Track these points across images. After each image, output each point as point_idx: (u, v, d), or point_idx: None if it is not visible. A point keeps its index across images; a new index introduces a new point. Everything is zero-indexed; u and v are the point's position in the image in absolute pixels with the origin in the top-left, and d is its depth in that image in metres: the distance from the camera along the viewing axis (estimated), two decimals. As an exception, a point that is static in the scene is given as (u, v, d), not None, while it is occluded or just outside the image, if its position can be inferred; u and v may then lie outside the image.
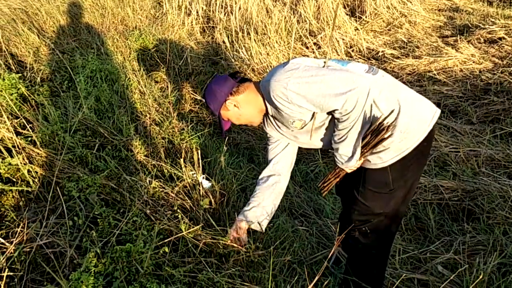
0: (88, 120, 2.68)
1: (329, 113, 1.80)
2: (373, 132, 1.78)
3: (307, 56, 5.66)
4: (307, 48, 5.98)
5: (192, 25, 6.63)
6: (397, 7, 6.93)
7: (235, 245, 2.04)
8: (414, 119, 1.80)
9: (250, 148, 4.02)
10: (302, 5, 6.90)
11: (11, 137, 2.29)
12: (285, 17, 6.24)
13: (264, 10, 6.92)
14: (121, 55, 4.65)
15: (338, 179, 2.02)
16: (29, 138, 2.41)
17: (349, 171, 1.93)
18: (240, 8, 6.89)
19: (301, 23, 6.29)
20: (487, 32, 5.45)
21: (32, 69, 3.82)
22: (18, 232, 1.88)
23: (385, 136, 1.75)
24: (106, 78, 3.52)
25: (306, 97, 1.70)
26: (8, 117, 2.59)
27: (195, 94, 4.62)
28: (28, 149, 2.27)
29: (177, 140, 3.14)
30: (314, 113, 1.80)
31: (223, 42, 6.01)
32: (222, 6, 7.10)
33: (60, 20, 5.32)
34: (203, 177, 2.58)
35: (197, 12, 6.78)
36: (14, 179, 2.24)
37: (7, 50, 4.17)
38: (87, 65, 3.61)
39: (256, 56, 4.89)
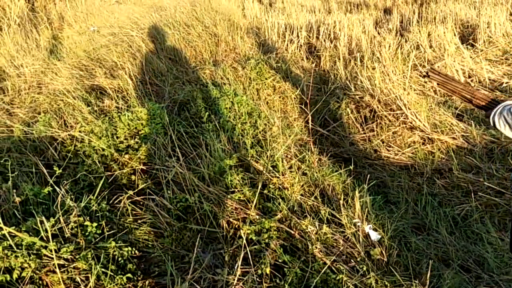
0: (245, 155, 2.54)
1: None
2: None
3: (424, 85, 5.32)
4: (423, 77, 5.61)
5: (295, 52, 6.50)
6: (517, 34, 6.42)
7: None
8: None
9: (382, 185, 3.75)
10: (413, 33, 6.58)
11: (183, 172, 2.17)
12: (399, 45, 5.95)
13: (369, 37, 6.68)
14: (241, 84, 4.56)
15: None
16: (198, 174, 2.29)
17: None
18: (345, 35, 6.69)
19: (413, 51, 5.95)
20: None
21: (168, 98, 3.81)
22: (207, 278, 1.71)
23: None
24: (242, 110, 3.40)
25: None
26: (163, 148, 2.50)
27: (315, 126, 4.42)
28: (202, 186, 2.14)
29: (320, 176, 2.92)
30: None
31: (332, 69, 5.82)
32: (326, 33, 6.94)
33: (179, 46, 5.36)
34: (370, 227, 2.34)
35: (298, 37, 6.66)
36: (185, 217, 2.11)
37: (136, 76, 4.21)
38: (223, 96, 3.52)
39: (380, 85, 4.62)
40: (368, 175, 3.58)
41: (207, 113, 3.35)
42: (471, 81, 5.64)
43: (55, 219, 1.83)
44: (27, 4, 9.21)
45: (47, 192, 2.12)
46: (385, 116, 4.39)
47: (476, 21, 7.11)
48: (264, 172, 2.50)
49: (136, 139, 3.08)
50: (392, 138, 4.26)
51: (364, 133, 4.42)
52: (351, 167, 3.24)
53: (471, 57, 5.79)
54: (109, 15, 8.69)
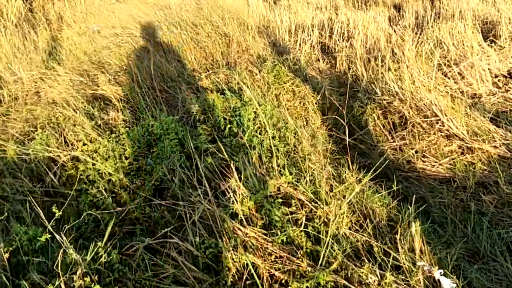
0: (282, 182, 2.10)
1: None
2: None
3: (450, 86, 4.87)
4: (448, 78, 5.16)
5: (309, 52, 6.05)
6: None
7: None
8: None
9: (422, 201, 3.31)
10: (432, 30, 6.14)
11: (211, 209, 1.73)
12: (420, 43, 5.50)
13: (385, 35, 6.23)
14: (259, 89, 4.11)
15: None
16: (229, 211, 1.85)
17: None
18: (359, 33, 6.23)
19: (436, 49, 5.48)
20: None
21: (181, 107, 3.36)
22: None
23: None
24: (268, 122, 2.95)
25: None
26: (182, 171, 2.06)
27: (340, 134, 3.98)
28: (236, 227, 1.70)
29: (364, 201, 2.48)
30: None
31: (350, 70, 5.37)
32: (340, 32, 6.49)
33: (187, 47, 4.91)
34: (440, 273, 1.89)
35: (309, 36, 6.21)
36: (217, 266, 1.66)
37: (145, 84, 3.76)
38: (244, 105, 3.07)
39: (409, 88, 4.17)
40: (413, 196, 3.16)
41: (228, 126, 2.90)
42: (498, 81, 5.19)
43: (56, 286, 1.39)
44: (25, 4, 8.75)
45: (44, 240, 1.68)
46: (418, 123, 3.94)
47: (496, 17, 6.67)
48: (306, 202, 2.07)
49: (149, 159, 2.63)
50: (426, 147, 3.82)
51: (394, 142, 3.98)
52: (394, 187, 2.79)
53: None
54: (109, 15, 8.23)
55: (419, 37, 5.79)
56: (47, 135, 2.81)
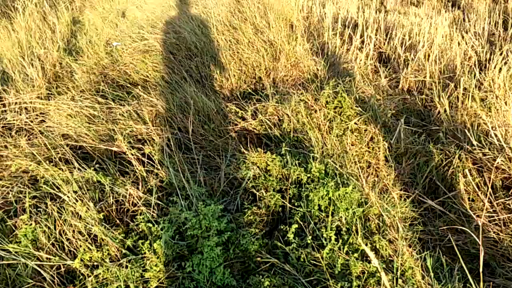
0: None
1: None
2: None
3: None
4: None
5: (366, 63, 4.97)
6: None
7: None
8: None
9: None
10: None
11: None
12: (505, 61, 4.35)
13: (458, 46, 5.08)
14: (318, 129, 3.09)
15: None
16: None
17: None
18: (423, 45, 5.10)
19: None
20: None
21: (224, 174, 2.36)
22: None
23: None
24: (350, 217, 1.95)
25: None
26: None
27: (425, 198, 2.96)
28: None
29: None
30: None
31: (420, 94, 4.28)
32: (400, 38, 5.36)
33: (225, 60, 3.89)
34: None
35: (361, 40, 5.11)
36: None
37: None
38: (312, 183, 2.08)
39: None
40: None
41: (293, 228, 1.91)
42: None
43: None
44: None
45: None
46: (529, 190, 2.89)
47: None
48: None
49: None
50: (543, 227, 2.78)
51: (495, 212, 2.94)
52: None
53: None
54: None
55: (501, 52, 4.62)
56: (34, 230, 1.86)
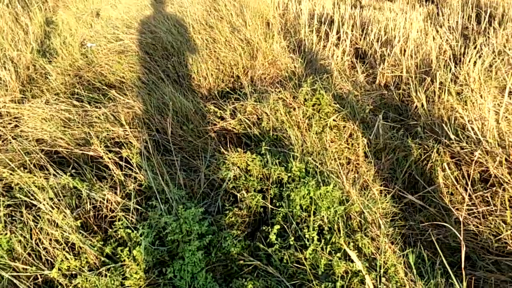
0: None
1: None
2: None
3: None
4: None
5: (343, 60, 4.97)
6: None
7: None
8: None
9: None
10: (488, 35, 5.07)
11: None
12: (478, 53, 4.40)
13: (432, 40, 5.13)
14: (297, 127, 3.07)
15: None
16: None
17: None
18: (399, 40, 5.13)
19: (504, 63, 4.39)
20: None
21: (204, 177, 2.32)
22: None
23: None
24: (332, 216, 1.94)
25: None
26: None
27: (405, 193, 2.98)
28: None
29: None
30: None
31: (397, 89, 4.31)
32: (376, 33, 5.39)
33: (202, 59, 3.83)
34: None
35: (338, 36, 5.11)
36: None
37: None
38: (292, 183, 2.05)
39: (493, 133, 3.13)
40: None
41: (275, 228, 1.89)
42: None
43: None
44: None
45: None
46: (507, 182, 2.93)
47: None
48: None
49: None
50: (521, 218, 2.82)
51: (474, 205, 2.97)
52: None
53: None
54: None
55: (475, 45, 4.67)
56: (10, 239, 1.80)
